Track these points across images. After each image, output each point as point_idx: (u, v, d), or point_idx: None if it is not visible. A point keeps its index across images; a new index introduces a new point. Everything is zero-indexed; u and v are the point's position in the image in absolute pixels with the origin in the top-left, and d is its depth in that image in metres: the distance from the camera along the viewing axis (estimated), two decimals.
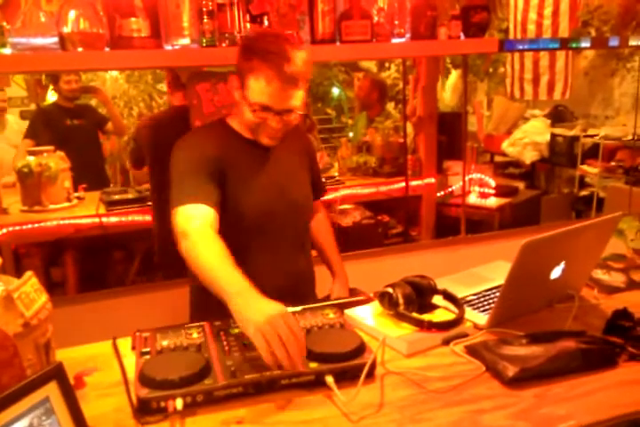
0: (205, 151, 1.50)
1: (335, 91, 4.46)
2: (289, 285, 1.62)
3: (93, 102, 3.67)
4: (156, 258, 2.60)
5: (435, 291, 1.41)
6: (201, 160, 1.48)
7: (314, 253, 1.81)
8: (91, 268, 2.70)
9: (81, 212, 2.65)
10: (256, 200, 1.54)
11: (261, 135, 1.52)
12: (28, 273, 1.08)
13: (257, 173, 1.56)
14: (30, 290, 1.05)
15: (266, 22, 2.01)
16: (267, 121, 1.47)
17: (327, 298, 1.71)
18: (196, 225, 1.35)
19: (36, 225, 2.49)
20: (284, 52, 1.40)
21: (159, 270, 2.54)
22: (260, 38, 1.46)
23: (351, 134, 4.11)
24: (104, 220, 2.59)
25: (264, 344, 1.06)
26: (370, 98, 3.91)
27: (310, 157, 1.75)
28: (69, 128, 3.26)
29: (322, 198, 1.86)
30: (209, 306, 1.30)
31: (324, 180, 2.02)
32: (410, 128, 3.20)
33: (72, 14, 1.80)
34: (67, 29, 1.80)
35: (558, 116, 4.65)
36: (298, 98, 1.45)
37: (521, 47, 2.62)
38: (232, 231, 1.51)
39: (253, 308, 1.11)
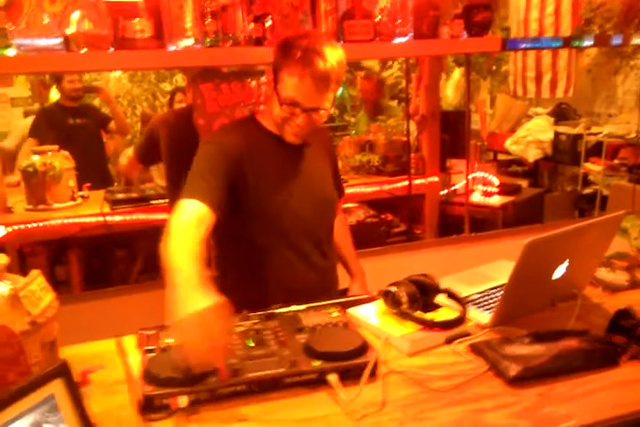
0: (227, 148, 1.50)
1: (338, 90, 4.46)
2: (315, 282, 1.63)
3: (96, 102, 3.68)
4: None
5: (438, 290, 1.41)
6: (219, 157, 1.48)
7: None
8: (95, 266, 2.71)
9: (85, 211, 2.66)
10: (282, 197, 1.54)
11: (286, 131, 1.52)
12: (35, 272, 1.09)
13: (284, 170, 1.57)
14: (37, 288, 1.06)
15: (269, 23, 2.02)
16: (293, 117, 1.47)
17: (346, 290, 1.74)
18: (181, 219, 1.32)
19: (41, 224, 2.50)
20: (320, 50, 1.41)
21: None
22: (299, 36, 1.47)
23: (354, 132, 4.12)
24: (108, 218, 2.60)
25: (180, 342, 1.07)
26: (371, 96, 3.91)
27: (331, 156, 1.76)
28: (72, 127, 3.28)
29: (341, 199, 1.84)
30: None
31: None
32: (413, 127, 3.21)
33: (76, 15, 1.81)
34: (70, 30, 1.81)
35: (561, 114, 4.65)
36: (327, 98, 1.46)
37: (524, 46, 2.63)
38: (258, 229, 1.53)
39: (183, 301, 1.07)
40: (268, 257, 1.57)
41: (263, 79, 2.17)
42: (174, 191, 2.40)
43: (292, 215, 1.56)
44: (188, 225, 1.30)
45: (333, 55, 1.43)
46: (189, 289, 1.10)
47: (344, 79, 4.26)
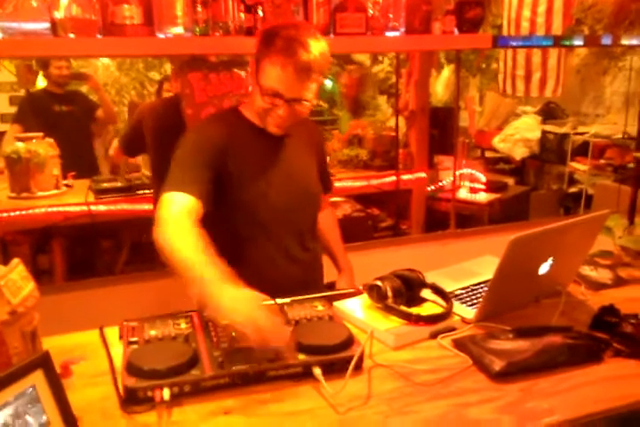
0: (211, 139, 1.48)
1: (328, 83, 4.44)
2: (298, 274, 1.63)
3: (84, 89, 3.63)
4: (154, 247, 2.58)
5: (423, 284, 1.42)
6: (202, 148, 1.47)
7: None
8: (79, 256, 2.68)
9: (69, 199, 2.63)
10: (261, 188, 1.53)
11: (268, 122, 1.51)
12: (15, 260, 1.07)
13: (266, 161, 1.56)
14: (17, 278, 1.04)
15: (260, 13, 2.00)
16: (275, 108, 1.46)
17: (332, 284, 1.73)
18: (172, 212, 1.32)
19: (24, 212, 2.47)
20: (303, 40, 1.40)
21: (156, 260, 2.52)
22: (283, 26, 1.46)
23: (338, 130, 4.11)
24: (93, 208, 2.57)
25: (254, 334, 1.07)
26: (352, 91, 3.89)
27: (319, 151, 1.75)
28: (58, 114, 3.23)
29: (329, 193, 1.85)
30: None
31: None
32: (402, 122, 3.20)
33: (64, 0, 1.78)
34: (59, 15, 1.78)
35: (549, 113, 4.67)
36: (310, 89, 1.45)
37: (514, 44, 2.63)
38: (239, 220, 1.52)
39: (230, 296, 1.10)
40: (248, 249, 1.56)
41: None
42: (159, 182, 2.38)
43: (270, 206, 1.55)
44: (183, 219, 1.31)
45: (316, 46, 1.41)
46: (219, 283, 1.13)
47: (333, 72, 4.26)
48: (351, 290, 1.57)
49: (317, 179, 1.70)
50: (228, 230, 1.55)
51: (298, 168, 1.63)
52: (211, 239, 1.50)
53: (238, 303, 1.10)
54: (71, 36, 1.79)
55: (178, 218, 1.31)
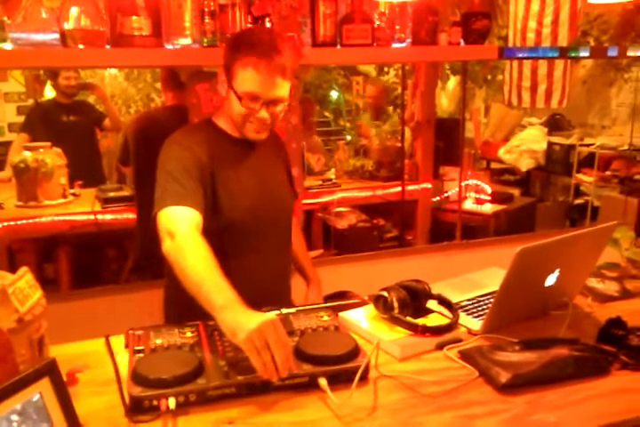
0: (195, 153, 1.48)
1: (334, 94, 4.47)
2: (271, 283, 1.62)
3: (91, 99, 3.66)
4: (139, 257, 2.59)
5: (429, 295, 1.41)
6: (190, 161, 1.46)
7: None
8: (84, 265, 2.69)
9: (76, 208, 2.64)
10: (242, 199, 1.53)
11: (248, 129, 1.50)
12: (23, 269, 1.08)
13: (243, 172, 1.56)
14: (25, 286, 1.05)
15: (267, 24, 2.02)
16: (254, 112, 1.46)
17: (336, 295, 1.72)
18: (184, 227, 1.32)
19: (31, 221, 2.48)
20: (271, 41, 1.42)
21: (143, 270, 2.54)
22: (247, 31, 1.49)
23: (349, 137, 4.12)
24: (99, 217, 2.58)
25: (254, 351, 1.07)
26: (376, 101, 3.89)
27: (285, 159, 1.76)
28: (65, 124, 3.25)
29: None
30: (183, 304, 1.28)
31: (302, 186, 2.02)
32: (408, 133, 3.21)
33: (74, 11, 1.80)
34: (68, 26, 1.80)
35: (555, 124, 4.68)
36: (285, 88, 1.45)
37: (521, 55, 2.64)
38: (218, 231, 1.51)
39: (242, 318, 1.11)
40: (231, 258, 1.53)
41: None
42: (141, 193, 2.40)
43: (252, 215, 1.54)
44: (195, 235, 1.31)
45: (285, 47, 1.43)
46: (239, 310, 1.13)
47: (339, 83, 4.28)
48: (356, 300, 1.57)
49: (289, 187, 1.72)
50: (211, 239, 1.54)
51: (271, 176, 1.64)
52: None
53: (254, 323, 1.08)
54: (80, 46, 1.81)
55: (189, 233, 1.31)
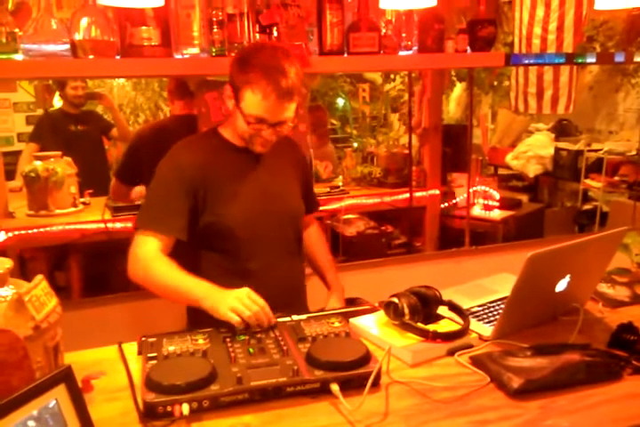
0: (184, 168, 1.49)
1: (340, 101, 4.48)
2: (277, 293, 1.55)
3: (100, 109, 3.69)
4: None
5: (440, 302, 1.41)
6: (176, 178, 1.49)
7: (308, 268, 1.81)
8: (95, 273, 2.70)
9: (86, 217, 2.65)
10: (243, 208, 1.53)
11: (253, 144, 1.53)
12: (39, 277, 1.09)
13: (245, 180, 1.56)
14: (41, 293, 1.06)
15: (275, 33, 2.04)
16: (260, 132, 1.48)
17: (321, 311, 1.70)
18: (148, 250, 1.45)
19: (42, 230, 2.50)
20: (281, 66, 1.41)
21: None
22: (257, 51, 1.47)
23: (355, 144, 4.13)
24: (109, 225, 2.59)
25: (234, 315, 1.28)
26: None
27: (303, 171, 1.75)
28: (74, 134, 3.28)
29: (314, 213, 1.85)
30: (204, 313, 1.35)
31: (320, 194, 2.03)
32: (415, 140, 3.22)
33: (84, 22, 1.82)
34: (78, 36, 1.82)
35: (562, 130, 4.67)
36: (292, 110, 1.47)
37: (527, 61, 2.65)
38: (221, 239, 1.53)
39: (220, 297, 1.32)
40: (236, 266, 1.56)
41: None
42: None
43: (253, 223, 1.55)
44: (158, 255, 1.45)
45: (292, 69, 1.43)
46: (219, 293, 1.35)
47: (345, 91, 4.29)
48: (367, 307, 1.57)
49: (299, 197, 1.69)
50: (205, 255, 1.57)
51: (277, 187, 1.62)
52: (185, 264, 1.50)
53: (230, 296, 1.31)
54: (90, 57, 1.83)
55: (153, 255, 1.44)
